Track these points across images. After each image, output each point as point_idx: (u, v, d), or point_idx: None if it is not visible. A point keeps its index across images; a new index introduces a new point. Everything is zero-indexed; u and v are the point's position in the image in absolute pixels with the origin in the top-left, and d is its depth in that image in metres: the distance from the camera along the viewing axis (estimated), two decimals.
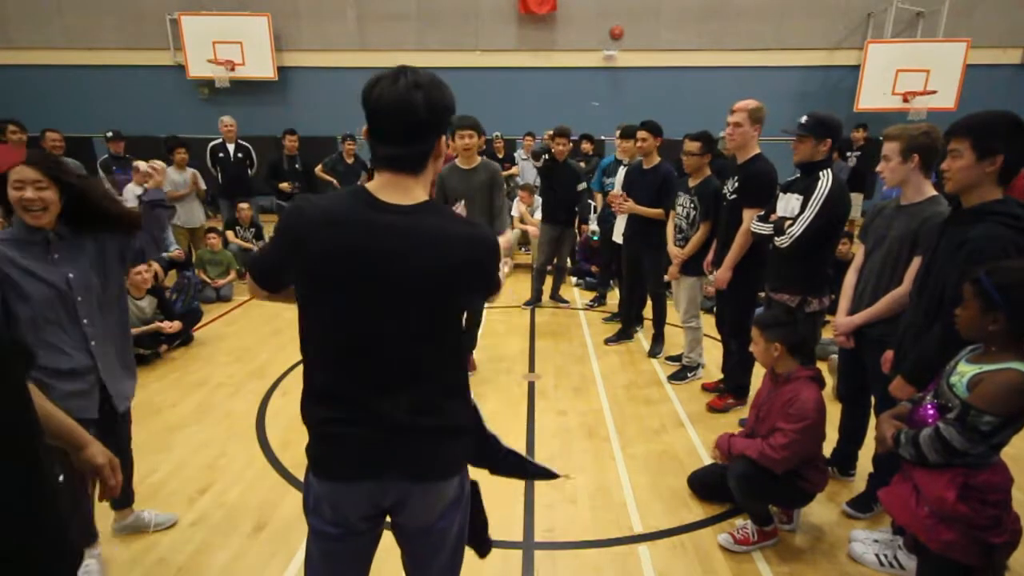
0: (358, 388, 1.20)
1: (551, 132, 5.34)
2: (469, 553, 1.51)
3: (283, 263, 1.22)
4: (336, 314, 1.18)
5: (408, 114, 1.13)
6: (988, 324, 1.63)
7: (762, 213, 3.12)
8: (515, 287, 6.60)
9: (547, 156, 5.40)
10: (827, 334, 3.80)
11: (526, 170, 7.84)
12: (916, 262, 2.22)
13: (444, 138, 1.23)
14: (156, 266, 4.94)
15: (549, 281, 5.95)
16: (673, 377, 4.11)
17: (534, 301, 5.78)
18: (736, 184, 3.36)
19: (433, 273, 1.17)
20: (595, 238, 6.12)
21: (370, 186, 1.20)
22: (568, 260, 6.25)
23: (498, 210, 3.76)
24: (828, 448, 2.73)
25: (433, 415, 1.23)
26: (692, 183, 3.86)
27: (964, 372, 1.70)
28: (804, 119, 2.86)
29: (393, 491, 1.24)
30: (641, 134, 4.28)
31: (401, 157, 1.18)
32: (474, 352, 4.26)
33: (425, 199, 1.21)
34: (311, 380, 1.24)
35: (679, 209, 3.97)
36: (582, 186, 5.41)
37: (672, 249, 4.00)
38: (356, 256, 1.14)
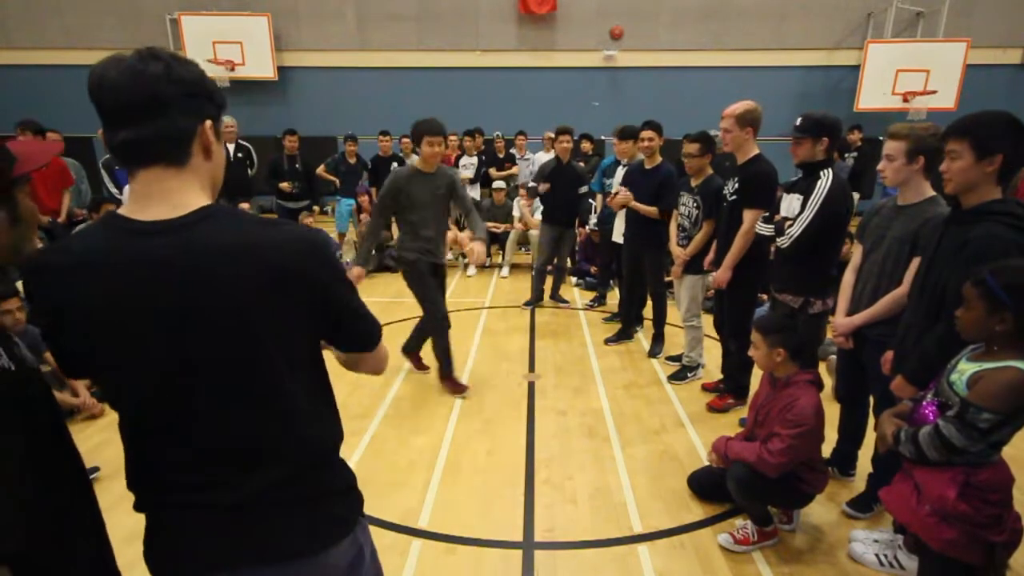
0: (182, 469, 0.94)
1: (551, 133, 5.35)
2: (469, 553, 1.51)
3: (59, 340, 0.94)
4: (126, 386, 0.92)
5: (144, 84, 0.85)
6: (995, 324, 1.62)
7: (767, 214, 3.13)
8: (515, 287, 6.61)
9: (554, 160, 5.41)
10: (827, 334, 3.81)
11: (524, 170, 7.86)
12: (915, 262, 2.22)
13: (211, 126, 0.93)
14: None
15: (549, 281, 5.95)
16: (673, 377, 4.11)
17: (535, 301, 5.78)
18: (736, 185, 3.37)
19: (233, 306, 0.87)
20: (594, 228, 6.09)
21: (124, 207, 0.90)
22: (568, 260, 6.25)
23: (468, 209, 3.68)
24: (828, 448, 2.74)
25: (290, 484, 0.98)
26: (694, 183, 3.87)
27: (964, 370, 1.70)
28: (798, 121, 2.86)
29: None
30: (648, 133, 4.29)
31: (146, 140, 0.87)
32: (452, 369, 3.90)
33: (204, 204, 0.90)
34: (128, 461, 0.99)
35: (682, 209, 3.98)
36: (584, 188, 5.42)
37: (675, 249, 4.01)
38: (118, 308, 0.86)
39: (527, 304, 5.75)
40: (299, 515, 0.99)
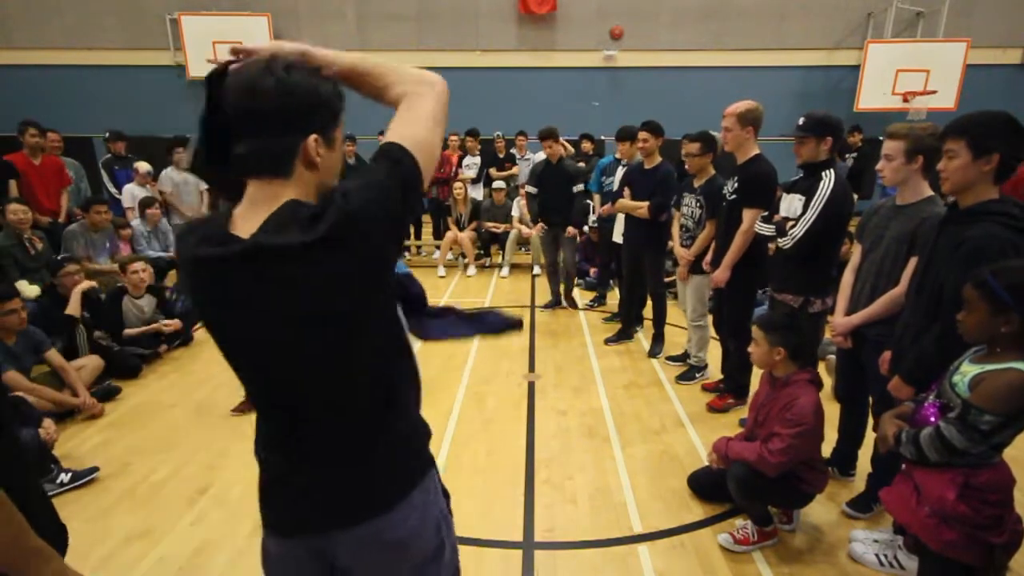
0: (286, 429, 1.03)
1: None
2: (470, 553, 1.50)
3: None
4: (237, 357, 1.00)
5: (252, 100, 0.90)
6: (1000, 326, 1.61)
7: (766, 214, 3.13)
8: (515, 287, 6.61)
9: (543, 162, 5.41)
10: (826, 334, 3.81)
11: (524, 170, 7.85)
12: (913, 262, 2.22)
13: (315, 140, 0.95)
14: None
15: (546, 283, 5.95)
16: (681, 377, 4.10)
17: (555, 303, 5.78)
18: (736, 184, 3.37)
19: (306, 297, 0.91)
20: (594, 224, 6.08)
21: (238, 207, 0.97)
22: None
23: None
24: (828, 448, 2.74)
25: (368, 433, 1.03)
26: (697, 183, 3.87)
27: (966, 372, 1.70)
28: (801, 121, 2.87)
29: (344, 544, 1.03)
30: (642, 135, 4.29)
31: (251, 155, 0.93)
32: None
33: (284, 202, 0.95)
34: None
35: (684, 210, 3.98)
36: (579, 187, 5.40)
37: (679, 250, 4.00)
38: (216, 298, 0.94)
39: (546, 306, 5.76)
40: (368, 466, 1.03)
